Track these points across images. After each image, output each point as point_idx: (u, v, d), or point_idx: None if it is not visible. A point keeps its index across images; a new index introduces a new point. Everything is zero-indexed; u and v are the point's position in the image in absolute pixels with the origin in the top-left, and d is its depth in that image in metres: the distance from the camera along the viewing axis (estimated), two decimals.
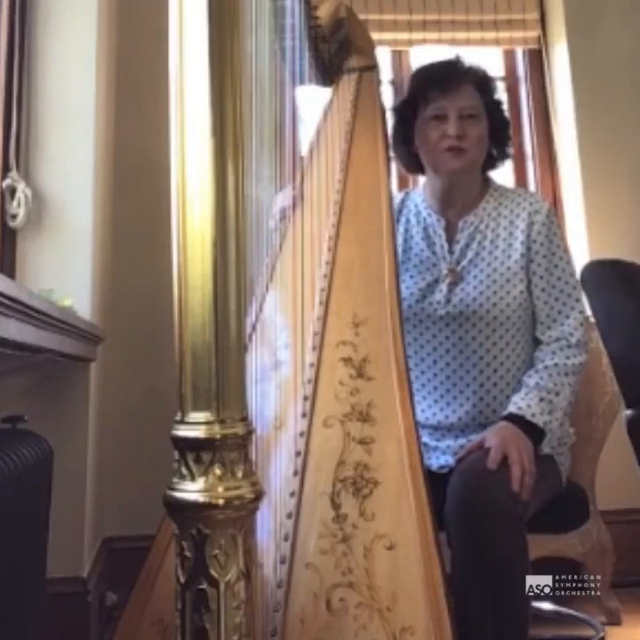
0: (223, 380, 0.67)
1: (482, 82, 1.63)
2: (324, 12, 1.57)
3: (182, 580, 0.66)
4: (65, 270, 1.81)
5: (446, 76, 1.59)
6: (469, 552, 1.25)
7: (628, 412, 1.33)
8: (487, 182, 1.68)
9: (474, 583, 1.23)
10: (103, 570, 2.01)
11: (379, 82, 1.70)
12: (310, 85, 1.63)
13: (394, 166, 1.76)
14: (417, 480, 1.08)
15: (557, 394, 1.45)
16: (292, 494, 1.11)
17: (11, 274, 1.76)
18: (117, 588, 1.96)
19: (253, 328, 1.34)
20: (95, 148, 1.91)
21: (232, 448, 0.67)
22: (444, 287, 1.58)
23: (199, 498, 0.65)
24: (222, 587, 0.65)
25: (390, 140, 1.65)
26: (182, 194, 0.69)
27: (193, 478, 0.66)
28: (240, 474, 0.67)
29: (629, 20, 2.68)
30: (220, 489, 0.65)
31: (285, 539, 1.06)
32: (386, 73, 2.70)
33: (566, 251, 1.60)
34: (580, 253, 2.52)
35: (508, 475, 1.29)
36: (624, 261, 1.37)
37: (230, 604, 0.65)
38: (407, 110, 1.65)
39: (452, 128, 1.55)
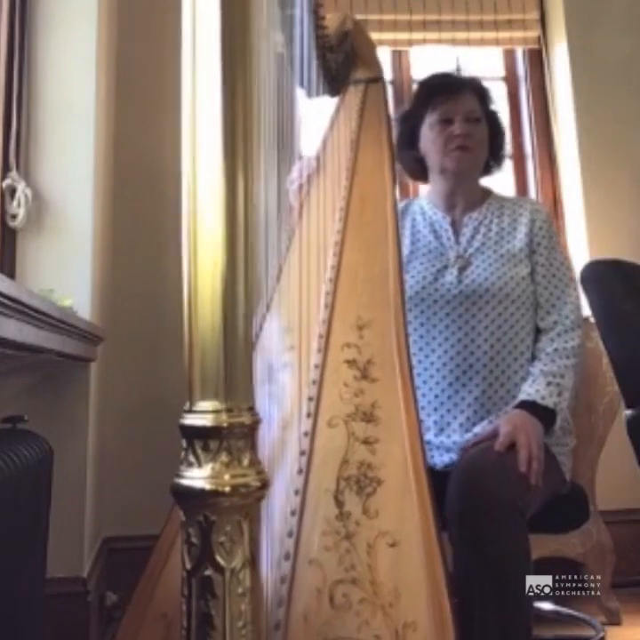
0: (231, 370, 0.68)
1: (481, 92, 1.74)
2: (331, 23, 1.60)
3: (188, 566, 0.67)
4: (65, 270, 1.81)
5: (450, 83, 1.71)
6: (471, 547, 1.25)
7: (628, 412, 1.33)
8: (487, 191, 1.77)
9: (476, 579, 1.24)
10: (103, 570, 2.01)
11: (385, 93, 1.73)
12: (318, 97, 1.65)
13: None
14: (420, 479, 1.09)
15: (563, 376, 1.52)
16: (296, 492, 1.11)
17: (11, 274, 1.76)
18: (117, 587, 1.96)
19: (260, 329, 1.35)
20: (95, 148, 1.91)
21: (239, 436, 0.68)
22: (454, 271, 1.64)
23: (206, 485, 0.66)
24: (228, 573, 0.65)
25: (395, 147, 1.69)
26: (193, 198, 0.70)
27: (200, 465, 0.67)
28: (246, 462, 0.68)
29: (629, 21, 2.68)
30: (227, 476, 0.66)
31: (289, 535, 1.07)
32: (386, 73, 2.69)
33: (562, 252, 1.69)
34: (580, 253, 2.53)
35: (509, 471, 1.31)
36: (624, 261, 1.38)
37: (235, 590, 0.66)
38: (413, 117, 1.73)
39: (459, 128, 1.65)
